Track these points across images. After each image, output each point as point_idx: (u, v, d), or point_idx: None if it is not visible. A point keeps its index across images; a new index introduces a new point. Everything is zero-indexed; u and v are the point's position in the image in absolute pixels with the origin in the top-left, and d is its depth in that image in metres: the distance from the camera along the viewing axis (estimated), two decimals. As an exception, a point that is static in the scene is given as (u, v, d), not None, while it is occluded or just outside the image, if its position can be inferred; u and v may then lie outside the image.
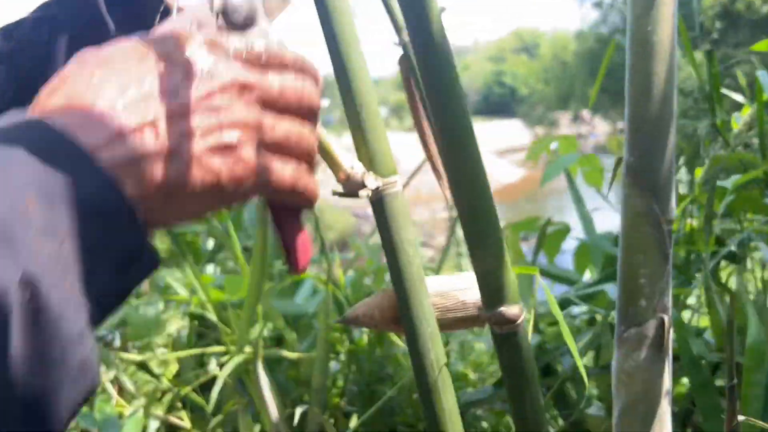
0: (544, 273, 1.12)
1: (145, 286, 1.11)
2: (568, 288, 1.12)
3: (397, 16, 0.56)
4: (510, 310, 0.37)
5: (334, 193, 0.45)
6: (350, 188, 0.45)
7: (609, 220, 1.16)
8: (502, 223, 0.45)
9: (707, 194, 0.78)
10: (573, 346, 0.58)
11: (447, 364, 0.45)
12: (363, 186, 0.45)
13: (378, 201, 0.45)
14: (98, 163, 0.29)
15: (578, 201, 1.21)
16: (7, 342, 0.24)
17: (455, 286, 0.49)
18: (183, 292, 1.05)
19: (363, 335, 1.09)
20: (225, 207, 0.37)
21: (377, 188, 0.45)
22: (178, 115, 0.33)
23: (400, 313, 0.47)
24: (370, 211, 0.49)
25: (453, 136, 0.43)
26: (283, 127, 0.38)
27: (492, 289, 0.39)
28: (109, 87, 0.32)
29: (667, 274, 0.58)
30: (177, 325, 1.01)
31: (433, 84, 0.43)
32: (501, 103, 41.64)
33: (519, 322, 0.38)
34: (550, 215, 1.26)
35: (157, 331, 0.98)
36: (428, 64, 0.43)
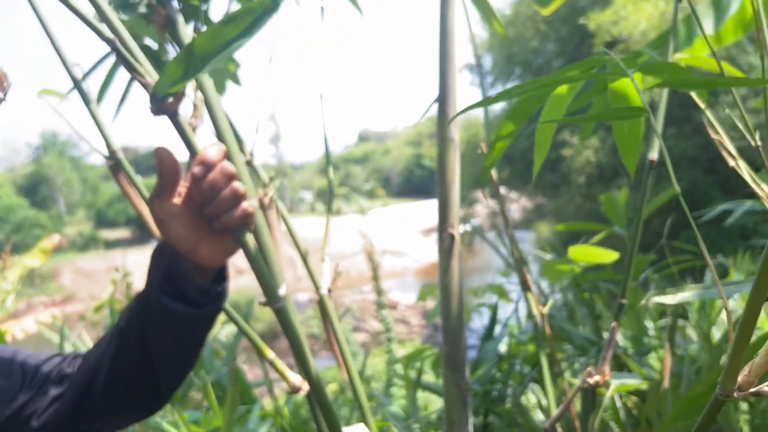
0: (427, 389, 1.58)
1: (141, 427, 1.48)
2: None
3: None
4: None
5: (289, 394, 0.90)
6: (294, 390, 0.89)
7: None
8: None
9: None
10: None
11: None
12: (300, 389, 0.89)
13: (309, 396, 0.90)
14: None
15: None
16: None
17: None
18: (169, 429, 1.43)
19: (301, 450, 1.50)
20: None
21: (309, 391, 0.90)
22: None
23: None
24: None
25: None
26: None
27: None
28: None
29: (467, 415, 1.06)
30: (165, 456, 1.39)
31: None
32: (422, 184, 43.47)
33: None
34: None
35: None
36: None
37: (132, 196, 0.85)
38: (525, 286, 1.05)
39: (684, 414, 0.71)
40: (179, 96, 0.64)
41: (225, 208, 0.70)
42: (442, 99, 1.06)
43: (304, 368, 0.91)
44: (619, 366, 1.43)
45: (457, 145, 1.10)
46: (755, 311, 0.39)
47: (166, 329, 0.72)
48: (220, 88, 1.24)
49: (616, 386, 1.03)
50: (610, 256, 1.02)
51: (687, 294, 0.72)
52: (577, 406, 1.19)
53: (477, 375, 1.41)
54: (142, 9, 0.90)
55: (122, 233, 34.69)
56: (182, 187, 0.70)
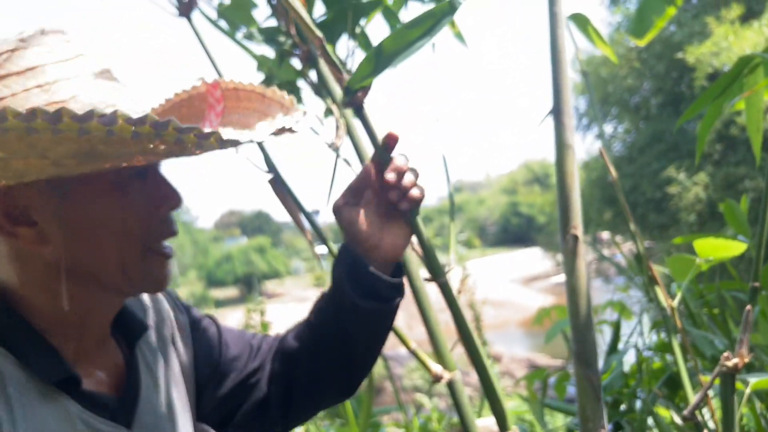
0: (552, 407, 1.58)
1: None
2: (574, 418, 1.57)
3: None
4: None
5: (432, 383, 0.97)
6: (436, 379, 0.96)
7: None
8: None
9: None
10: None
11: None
12: (441, 378, 0.96)
13: (450, 384, 0.97)
14: None
15: (573, 353, 1.70)
16: None
17: (486, 423, 0.99)
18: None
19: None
20: None
21: (450, 379, 0.96)
22: None
23: (466, 439, 0.96)
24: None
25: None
26: None
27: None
28: None
29: (600, 408, 1.09)
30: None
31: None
32: (519, 232, 42.74)
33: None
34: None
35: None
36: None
37: (289, 206, 0.98)
38: (652, 281, 1.08)
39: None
40: (366, 90, 0.75)
41: (406, 192, 0.77)
42: (557, 109, 1.13)
43: (464, 338, 0.95)
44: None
45: (575, 151, 1.16)
46: None
47: (361, 325, 0.80)
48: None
49: (754, 383, 1.01)
50: (737, 247, 1.03)
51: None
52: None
53: (605, 386, 1.40)
54: (288, 45, 1.05)
55: (230, 292, 36.22)
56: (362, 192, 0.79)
